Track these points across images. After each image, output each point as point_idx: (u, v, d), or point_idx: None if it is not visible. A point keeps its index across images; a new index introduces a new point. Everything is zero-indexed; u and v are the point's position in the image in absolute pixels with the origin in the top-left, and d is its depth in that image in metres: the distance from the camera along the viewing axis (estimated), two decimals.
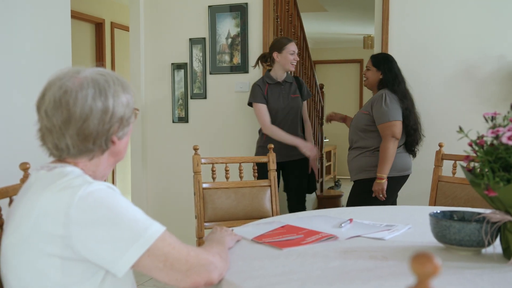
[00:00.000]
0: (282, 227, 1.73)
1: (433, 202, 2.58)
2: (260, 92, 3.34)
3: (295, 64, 3.39)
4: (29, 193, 1.13)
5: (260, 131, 3.44)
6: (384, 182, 2.90)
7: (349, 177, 3.21)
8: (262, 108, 3.31)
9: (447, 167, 2.66)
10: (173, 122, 4.17)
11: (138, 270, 1.13)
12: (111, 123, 1.17)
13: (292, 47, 3.35)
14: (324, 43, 9.68)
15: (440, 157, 2.63)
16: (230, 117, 4.01)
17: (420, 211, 2.04)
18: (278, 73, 3.40)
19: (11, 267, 1.12)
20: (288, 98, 3.40)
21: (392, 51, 3.53)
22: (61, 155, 1.17)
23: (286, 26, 5.21)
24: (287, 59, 3.32)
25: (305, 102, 3.55)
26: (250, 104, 3.40)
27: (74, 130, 1.13)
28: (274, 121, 3.34)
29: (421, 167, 3.32)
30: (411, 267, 0.54)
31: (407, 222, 1.80)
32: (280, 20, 4.97)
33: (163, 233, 1.13)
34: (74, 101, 1.12)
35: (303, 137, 3.48)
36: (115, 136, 1.20)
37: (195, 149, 2.43)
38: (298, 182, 3.41)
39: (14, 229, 1.11)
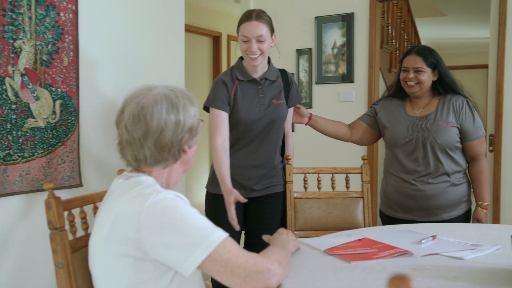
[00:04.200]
0: (359, 240, 1.73)
1: None
2: (223, 93, 2.26)
3: (256, 58, 2.22)
4: (110, 199, 1.29)
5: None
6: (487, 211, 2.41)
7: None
8: (220, 117, 2.23)
9: None
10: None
11: (202, 271, 1.23)
12: (183, 134, 1.30)
13: (244, 29, 2.21)
14: (446, 49, 9.21)
15: None
16: None
17: None
18: (251, 66, 2.29)
19: (94, 264, 1.29)
20: (268, 104, 2.31)
21: (509, 58, 3.30)
22: (139, 165, 1.31)
23: (398, 33, 5.10)
24: (242, 48, 2.25)
25: (290, 110, 2.47)
26: (206, 108, 2.34)
27: (152, 142, 1.27)
28: (241, 140, 2.31)
29: None
30: None
31: (497, 242, 1.70)
32: (391, 28, 4.89)
33: (224, 240, 1.22)
34: (151, 116, 1.26)
35: (281, 161, 2.47)
36: (186, 145, 1.33)
37: (288, 159, 2.50)
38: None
39: (97, 230, 1.28)
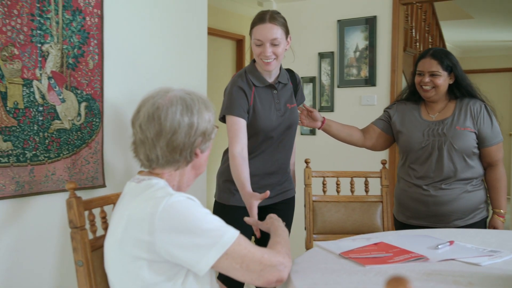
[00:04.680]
0: (375, 244, 1.73)
1: None
2: (243, 100, 2.13)
3: (270, 62, 2.10)
4: (123, 202, 1.33)
5: (225, 153, 2.32)
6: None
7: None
8: (239, 124, 2.10)
9: None
10: (301, 134, 4.30)
11: (217, 270, 1.26)
12: (195, 137, 1.33)
13: (257, 32, 2.09)
14: (473, 52, 9.07)
15: None
16: None
17: None
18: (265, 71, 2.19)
19: (109, 265, 1.33)
20: (284, 110, 2.24)
21: None
22: (151, 165, 1.35)
23: (422, 36, 5.06)
24: (255, 52, 2.13)
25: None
26: (222, 118, 2.20)
27: (164, 142, 1.30)
28: (258, 148, 2.21)
29: None
30: None
31: None
32: (415, 31, 4.85)
33: (238, 238, 1.26)
34: (165, 116, 1.29)
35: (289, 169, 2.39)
36: (199, 149, 1.36)
37: (307, 162, 2.52)
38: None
39: (111, 233, 1.32)
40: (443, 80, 2.32)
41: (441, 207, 2.29)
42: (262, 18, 2.08)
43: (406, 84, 4.63)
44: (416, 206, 2.34)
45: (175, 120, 1.30)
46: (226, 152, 2.24)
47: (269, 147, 2.22)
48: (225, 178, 2.23)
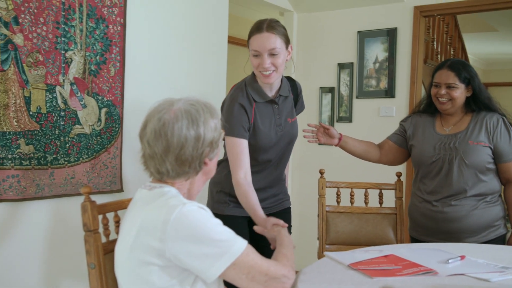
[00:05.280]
0: (385, 256, 1.74)
1: None
2: (243, 118, 2.01)
3: (269, 75, 1.97)
4: (134, 209, 1.36)
5: (220, 162, 2.16)
6: None
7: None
8: (241, 147, 1.98)
9: None
10: (319, 144, 4.29)
11: (224, 279, 1.29)
12: (203, 148, 1.35)
13: (254, 42, 1.96)
14: (498, 64, 8.96)
15: None
16: (375, 142, 3.99)
17: None
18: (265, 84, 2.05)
19: (120, 270, 1.36)
20: (284, 125, 2.12)
21: None
22: (161, 177, 1.38)
23: (444, 48, 5.04)
24: (253, 64, 2.01)
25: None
26: None
27: (173, 157, 1.33)
28: (257, 166, 2.09)
29: None
30: None
31: None
32: (437, 43, 4.83)
33: (246, 249, 1.29)
34: (172, 132, 1.31)
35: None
36: (207, 158, 1.38)
37: (321, 172, 2.53)
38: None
39: (122, 239, 1.36)
40: (460, 92, 2.24)
41: (451, 224, 2.21)
42: (259, 27, 1.95)
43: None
44: (426, 223, 2.27)
45: (182, 135, 1.32)
46: (221, 161, 2.15)
47: (268, 164, 2.13)
48: (220, 189, 2.16)
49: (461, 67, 2.25)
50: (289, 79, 2.22)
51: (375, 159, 2.49)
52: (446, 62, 2.30)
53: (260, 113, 2.04)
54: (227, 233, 1.30)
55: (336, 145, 2.40)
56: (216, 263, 1.25)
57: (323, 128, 2.33)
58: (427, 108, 2.41)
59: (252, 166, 2.02)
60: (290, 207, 2.30)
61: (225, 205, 2.11)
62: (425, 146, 2.30)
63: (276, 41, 1.93)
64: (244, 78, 2.13)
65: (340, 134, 2.38)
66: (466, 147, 2.20)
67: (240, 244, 1.28)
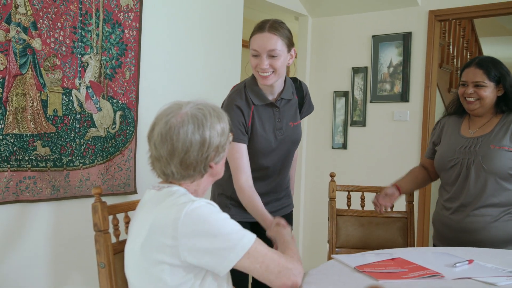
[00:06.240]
0: (392, 259, 1.75)
1: None
2: (240, 121, 1.95)
3: (267, 76, 1.89)
4: (144, 209, 1.40)
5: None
6: None
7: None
8: (240, 152, 1.93)
9: None
10: (332, 148, 4.31)
11: (238, 269, 1.34)
12: (208, 152, 1.38)
13: (254, 42, 1.90)
14: None
15: None
16: (388, 146, 4.00)
17: None
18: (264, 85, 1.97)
19: (130, 270, 1.40)
20: (285, 129, 2.05)
21: None
22: (167, 179, 1.41)
23: (460, 53, 5.00)
24: (251, 64, 1.94)
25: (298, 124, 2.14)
26: None
27: (178, 160, 1.36)
28: (257, 171, 2.02)
29: None
30: None
31: None
32: (453, 47, 4.80)
33: (256, 241, 1.33)
34: (177, 137, 1.34)
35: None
36: (213, 162, 1.41)
37: (332, 176, 2.55)
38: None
39: (132, 239, 1.39)
40: (489, 91, 2.08)
41: (468, 235, 2.06)
42: (261, 26, 1.89)
43: (442, 101, 4.60)
44: (444, 232, 2.17)
45: (187, 140, 1.34)
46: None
47: (270, 169, 2.06)
48: (221, 192, 2.11)
49: (490, 64, 2.10)
50: (295, 80, 2.14)
51: (428, 182, 2.41)
52: (475, 60, 2.16)
53: (259, 116, 1.98)
54: (236, 226, 1.34)
55: (399, 196, 2.29)
56: (229, 255, 1.29)
57: (381, 196, 2.24)
58: (457, 109, 2.27)
59: (254, 171, 1.97)
60: (292, 212, 2.26)
61: (226, 209, 2.07)
62: (446, 149, 2.18)
63: (277, 43, 1.86)
64: (244, 79, 2.09)
65: (394, 185, 2.30)
66: (487, 151, 2.05)
67: (250, 236, 1.33)
